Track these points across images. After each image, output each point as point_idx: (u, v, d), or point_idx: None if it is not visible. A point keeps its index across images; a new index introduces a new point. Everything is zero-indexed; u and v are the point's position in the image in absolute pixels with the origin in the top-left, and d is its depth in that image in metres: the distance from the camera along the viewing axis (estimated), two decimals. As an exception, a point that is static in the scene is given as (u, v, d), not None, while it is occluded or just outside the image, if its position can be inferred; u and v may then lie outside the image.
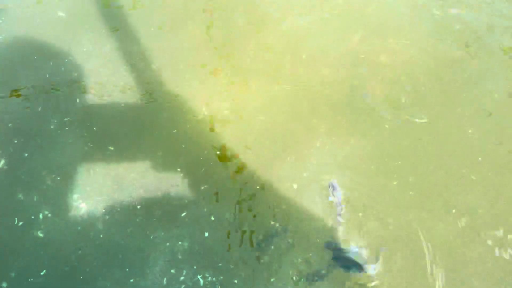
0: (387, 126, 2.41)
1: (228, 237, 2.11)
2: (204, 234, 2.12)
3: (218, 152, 2.37)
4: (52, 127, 2.48)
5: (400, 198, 2.18)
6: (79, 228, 2.15)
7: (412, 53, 2.71)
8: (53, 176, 2.31)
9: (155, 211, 2.19)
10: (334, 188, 2.22)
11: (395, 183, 2.22)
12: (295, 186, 2.25)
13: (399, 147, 2.34)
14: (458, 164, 2.28)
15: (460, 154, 2.31)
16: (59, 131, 2.46)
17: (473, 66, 2.64)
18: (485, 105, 2.46)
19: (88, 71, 2.69)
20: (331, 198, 2.20)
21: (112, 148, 2.39)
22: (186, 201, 2.22)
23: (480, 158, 2.27)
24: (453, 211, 2.13)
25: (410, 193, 2.20)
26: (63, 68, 2.72)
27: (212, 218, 2.17)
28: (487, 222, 2.10)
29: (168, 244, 2.09)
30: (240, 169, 2.32)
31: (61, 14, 2.70)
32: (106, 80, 2.65)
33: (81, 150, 2.40)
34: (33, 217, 2.18)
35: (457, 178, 2.23)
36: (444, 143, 2.34)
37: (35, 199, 2.23)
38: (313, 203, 2.19)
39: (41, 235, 2.14)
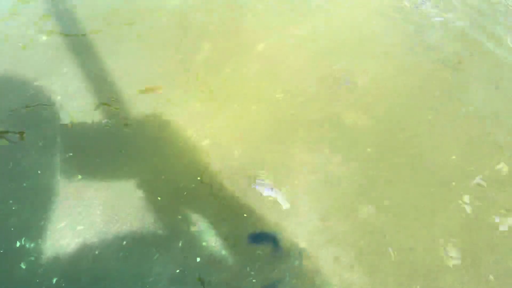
0: (369, 149, 2.54)
1: (220, 262, 2.15)
2: (196, 259, 2.15)
3: (198, 178, 2.40)
4: (29, 152, 2.41)
5: (377, 221, 2.31)
6: (65, 256, 2.11)
7: (393, 73, 2.87)
8: (33, 204, 2.25)
9: (143, 239, 2.19)
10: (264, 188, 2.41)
11: (371, 206, 2.34)
12: (284, 207, 2.33)
13: (380, 169, 2.48)
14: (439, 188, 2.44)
15: (441, 177, 2.46)
16: (36, 157, 2.40)
17: (455, 86, 2.81)
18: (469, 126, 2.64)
19: (67, 95, 2.64)
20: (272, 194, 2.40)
21: (88, 177, 2.36)
22: (169, 230, 2.24)
23: (454, 183, 2.45)
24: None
25: (385, 216, 2.33)
26: (42, 92, 2.65)
27: (204, 244, 2.20)
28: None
29: (159, 271, 2.10)
30: (223, 194, 2.37)
31: (44, 38, 2.66)
32: (84, 105, 2.61)
33: (54, 177, 2.36)
34: (13, 246, 2.11)
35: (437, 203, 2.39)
36: (425, 166, 2.49)
37: (16, 227, 2.17)
38: (303, 222, 2.27)
39: (23, 266, 2.08)
